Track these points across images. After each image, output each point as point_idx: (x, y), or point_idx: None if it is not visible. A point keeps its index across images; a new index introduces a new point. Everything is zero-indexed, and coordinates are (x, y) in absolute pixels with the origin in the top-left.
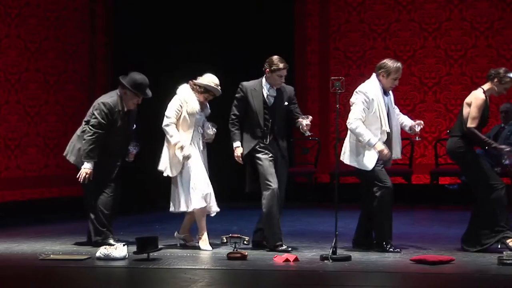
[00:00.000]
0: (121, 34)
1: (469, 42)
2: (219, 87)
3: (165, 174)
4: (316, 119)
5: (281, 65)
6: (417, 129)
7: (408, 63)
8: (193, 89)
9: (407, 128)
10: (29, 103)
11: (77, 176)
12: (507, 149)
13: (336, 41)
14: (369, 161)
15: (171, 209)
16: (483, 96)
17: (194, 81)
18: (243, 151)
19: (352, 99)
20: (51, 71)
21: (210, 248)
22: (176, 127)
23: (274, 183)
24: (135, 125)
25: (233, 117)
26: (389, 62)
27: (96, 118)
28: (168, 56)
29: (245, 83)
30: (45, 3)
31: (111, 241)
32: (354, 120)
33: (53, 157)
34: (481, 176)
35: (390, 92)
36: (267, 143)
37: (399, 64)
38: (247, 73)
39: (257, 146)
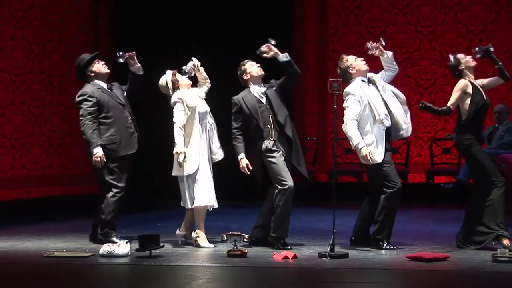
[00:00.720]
0: (124, 36)
1: (463, 45)
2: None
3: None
4: (315, 119)
5: (249, 60)
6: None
7: (404, 65)
8: (180, 87)
9: (385, 64)
10: (33, 104)
11: (93, 164)
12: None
13: (334, 43)
14: (378, 155)
15: (182, 203)
16: (464, 81)
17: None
18: (251, 156)
19: (344, 104)
20: (55, 73)
21: (212, 246)
22: (185, 128)
23: (290, 181)
24: (125, 92)
25: (234, 130)
26: (344, 61)
27: (81, 108)
28: (170, 58)
29: (235, 96)
30: (49, 6)
31: (114, 239)
32: (347, 121)
33: (57, 156)
34: (483, 171)
35: (374, 77)
36: (274, 138)
37: (343, 58)
38: None
39: (266, 146)
